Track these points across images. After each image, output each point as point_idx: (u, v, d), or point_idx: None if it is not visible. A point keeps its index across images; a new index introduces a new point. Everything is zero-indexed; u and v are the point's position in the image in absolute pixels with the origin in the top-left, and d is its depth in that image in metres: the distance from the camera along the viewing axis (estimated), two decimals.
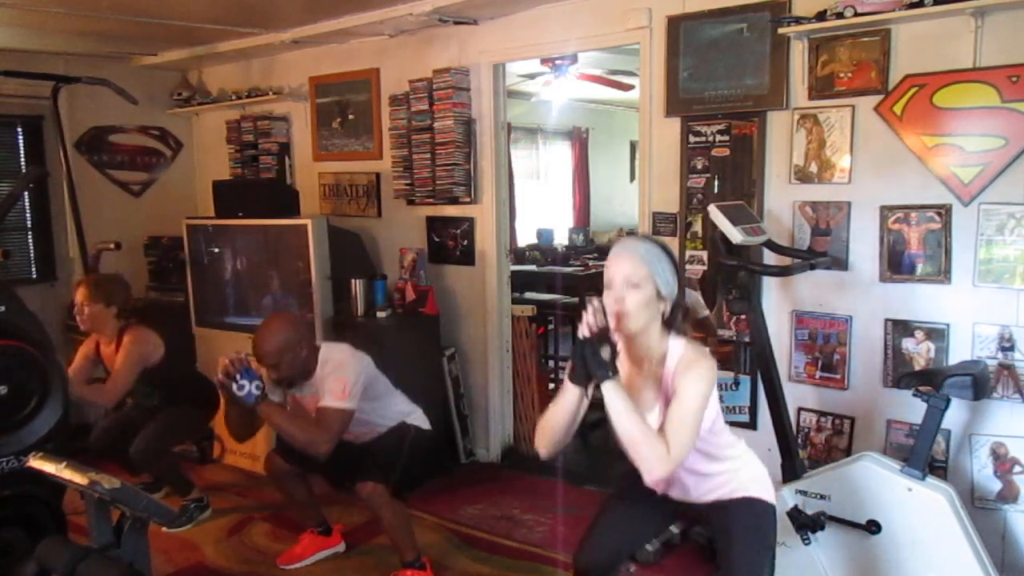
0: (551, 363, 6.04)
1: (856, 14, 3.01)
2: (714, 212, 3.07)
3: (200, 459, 4.68)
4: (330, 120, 5.05)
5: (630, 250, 2.03)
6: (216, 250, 4.91)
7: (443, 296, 4.58)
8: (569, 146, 9.49)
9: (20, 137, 5.28)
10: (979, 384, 2.69)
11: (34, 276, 5.36)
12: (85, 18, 4.36)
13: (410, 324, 4.38)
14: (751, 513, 2.18)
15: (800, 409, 3.41)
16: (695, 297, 3.64)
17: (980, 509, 2.97)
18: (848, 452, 3.26)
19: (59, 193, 5.08)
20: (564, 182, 9.52)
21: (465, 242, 4.51)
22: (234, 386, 2.86)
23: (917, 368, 3.08)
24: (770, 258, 3.36)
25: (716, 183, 3.56)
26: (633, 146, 9.58)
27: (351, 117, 4.94)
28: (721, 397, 3.55)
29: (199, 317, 5.04)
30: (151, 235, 5.52)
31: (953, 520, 2.59)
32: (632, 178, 9.77)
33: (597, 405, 2.02)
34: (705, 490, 2.20)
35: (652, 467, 1.91)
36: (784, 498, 2.85)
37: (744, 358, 3.55)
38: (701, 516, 2.24)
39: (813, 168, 3.29)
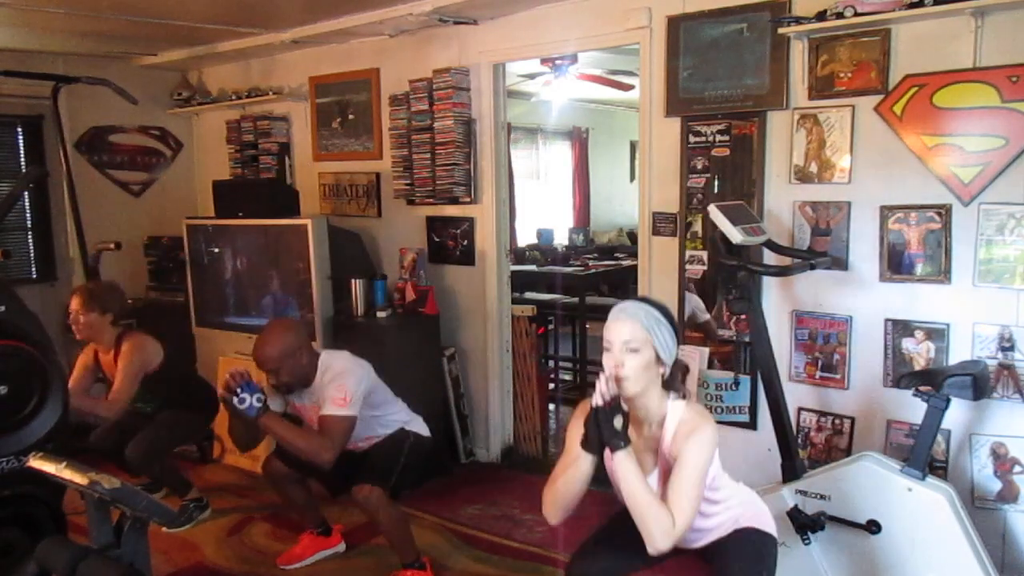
0: (551, 363, 6.05)
1: (856, 14, 3.01)
2: (714, 212, 3.07)
3: (200, 459, 4.69)
4: (330, 120, 5.05)
5: (629, 314, 2.03)
6: (216, 250, 4.91)
7: (443, 296, 4.58)
8: (569, 146, 9.49)
9: (20, 137, 5.28)
10: (979, 384, 2.69)
11: (34, 276, 5.36)
12: (85, 18, 4.36)
13: (410, 324, 4.38)
14: (748, 541, 2.20)
15: (800, 409, 3.41)
16: (696, 302, 3.65)
17: (980, 509, 2.96)
18: (848, 452, 3.25)
19: (59, 193, 5.08)
20: (564, 182, 9.53)
21: (465, 242, 4.51)
22: (235, 400, 2.88)
23: (917, 368, 3.08)
24: (770, 258, 3.36)
25: (716, 183, 3.56)
26: (633, 146, 9.59)
27: (351, 117, 4.94)
28: (721, 397, 3.61)
29: (199, 317, 5.05)
30: (151, 235, 5.53)
31: (953, 520, 2.59)
32: (632, 178, 9.78)
33: None
34: (704, 539, 2.22)
35: (657, 541, 1.92)
36: (784, 498, 2.85)
37: (744, 358, 3.55)
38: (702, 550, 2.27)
39: (813, 168, 3.29)
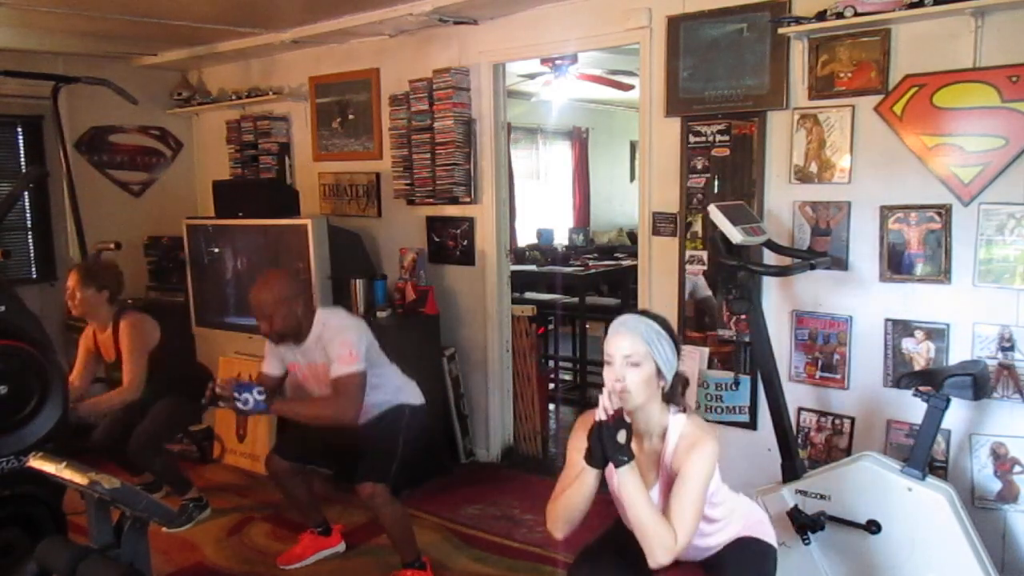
0: (551, 363, 6.05)
1: (856, 14, 3.01)
2: (714, 212, 3.07)
3: (200, 459, 4.69)
4: (330, 120, 5.05)
5: (630, 328, 2.03)
6: (216, 250, 4.91)
7: (443, 296, 4.58)
8: (569, 146, 9.49)
9: (20, 137, 5.28)
10: (979, 384, 2.68)
11: (34, 276, 5.36)
12: (85, 18, 4.36)
13: (410, 324, 4.38)
14: (748, 551, 2.20)
15: (800, 409, 3.41)
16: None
17: (980, 509, 2.96)
18: (848, 452, 3.26)
19: (59, 193, 5.08)
20: (564, 182, 9.52)
21: (465, 242, 4.51)
22: (239, 404, 2.90)
23: (917, 368, 3.08)
24: (770, 258, 3.36)
25: (716, 183, 3.56)
26: (633, 146, 9.58)
27: (351, 117, 4.94)
28: (721, 397, 3.61)
29: (199, 317, 5.05)
30: (151, 235, 5.52)
31: (953, 520, 2.59)
32: (632, 178, 9.78)
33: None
34: (702, 556, 2.22)
35: (658, 556, 1.92)
36: (784, 498, 2.85)
37: (744, 358, 3.55)
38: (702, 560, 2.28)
39: (813, 168, 3.29)
